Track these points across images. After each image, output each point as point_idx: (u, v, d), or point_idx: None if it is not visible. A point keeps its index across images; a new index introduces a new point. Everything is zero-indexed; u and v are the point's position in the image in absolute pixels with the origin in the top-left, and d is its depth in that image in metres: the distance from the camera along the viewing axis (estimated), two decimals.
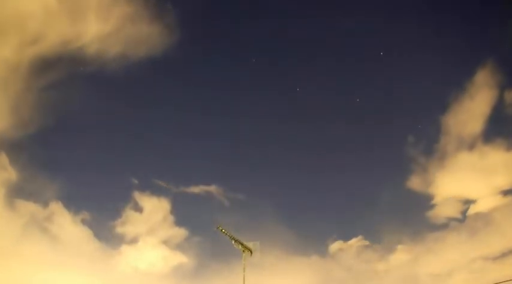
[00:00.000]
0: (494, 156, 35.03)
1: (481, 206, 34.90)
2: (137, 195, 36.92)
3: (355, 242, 36.15)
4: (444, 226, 35.36)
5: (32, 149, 35.76)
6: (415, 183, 36.72)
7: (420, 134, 37.65)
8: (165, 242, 36.39)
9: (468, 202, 35.31)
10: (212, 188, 38.02)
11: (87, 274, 31.02)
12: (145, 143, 40.50)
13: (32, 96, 36.07)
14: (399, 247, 35.45)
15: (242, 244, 26.37)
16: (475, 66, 35.80)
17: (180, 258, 35.70)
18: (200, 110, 41.98)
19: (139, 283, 33.60)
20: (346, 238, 36.40)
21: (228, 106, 42.39)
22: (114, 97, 40.31)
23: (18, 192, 34.27)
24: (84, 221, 35.08)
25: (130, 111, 40.32)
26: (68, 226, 34.51)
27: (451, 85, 36.66)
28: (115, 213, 36.56)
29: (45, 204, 34.64)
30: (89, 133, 39.42)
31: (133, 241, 35.78)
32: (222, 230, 26.24)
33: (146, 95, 41.54)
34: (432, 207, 35.83)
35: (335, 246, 35.95)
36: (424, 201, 36.22)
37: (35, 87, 36.16)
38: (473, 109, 36.29)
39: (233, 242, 26.33)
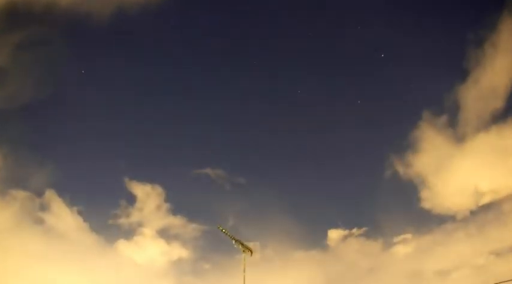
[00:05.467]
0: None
1: (493, 196, 32.41)
2: (128, 182, 34.78)
3: (358, 234, 35.28)
4: (452, 217, 33.55)
5: (18, 128, 32.40)
6: (420, 172, 35.34)
7: (431, 113, 34.91)
8: (161, 232, 35.37)
9: (479, 191, 32.92)
10: (210, 171, 35.99)
11: (83, 268, 30.45)
12: (135, 121, 37.75)
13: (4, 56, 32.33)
14: (402, 239, 34.53)
15: (242, 244, 26.49)
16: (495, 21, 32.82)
17: (177, 249, 34.87)
18: (198, 86, 39.05)
19: (137, 276, 33.08)
20: (348, 229, 35.32)
21: (231, 89, 39.90)
22: (100, 61, 36.75)
23: (6, 179, 32.50)
24: (79, 212, 33.80)
25: (120, 81, 37.45)
26: (63, 216, 33.29)
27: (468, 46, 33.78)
28: (109, 203, 34.99)
29: (38, 193, 33.11)
30: (75, 108, 36.26)
31: (129, 233, 34.71)
32: (222, 230, 26.70)
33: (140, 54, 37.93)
34: (439, 197, 33.96)
35: (337, 239, 35.20)
36: (429, 191, 34.57)
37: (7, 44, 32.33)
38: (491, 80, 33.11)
39: (234, 242, 26.46)
